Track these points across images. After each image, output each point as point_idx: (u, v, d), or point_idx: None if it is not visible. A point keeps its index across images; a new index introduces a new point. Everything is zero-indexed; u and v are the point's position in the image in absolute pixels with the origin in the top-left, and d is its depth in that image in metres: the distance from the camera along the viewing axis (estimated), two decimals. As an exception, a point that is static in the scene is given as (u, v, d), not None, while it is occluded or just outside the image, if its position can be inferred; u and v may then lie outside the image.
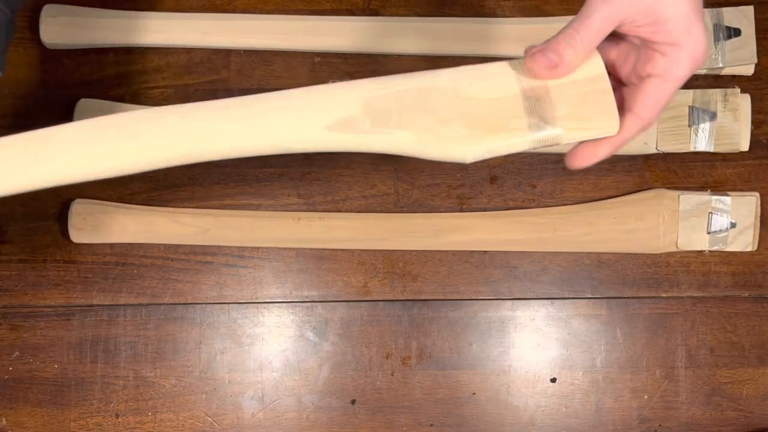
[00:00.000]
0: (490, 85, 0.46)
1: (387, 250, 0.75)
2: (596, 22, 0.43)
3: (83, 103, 0.74)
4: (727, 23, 0.73)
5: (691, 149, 0.73)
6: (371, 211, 0.75)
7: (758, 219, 0.73)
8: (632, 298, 0.75)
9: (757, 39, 0.73)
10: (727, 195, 0.72)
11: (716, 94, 0.73)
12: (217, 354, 0.75)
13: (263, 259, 0.75)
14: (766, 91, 0.75)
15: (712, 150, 0.73)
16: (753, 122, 0.74)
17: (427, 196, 0.75)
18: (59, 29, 0.74)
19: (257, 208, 0.75)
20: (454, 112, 0.45)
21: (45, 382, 0.74)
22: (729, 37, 0.73)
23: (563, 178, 0.75)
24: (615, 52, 0.47)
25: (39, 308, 0.74)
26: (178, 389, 0.74)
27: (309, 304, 0.75)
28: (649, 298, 0.75)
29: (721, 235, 0.72)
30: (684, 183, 0.75)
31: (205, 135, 0.47)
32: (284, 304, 0.75)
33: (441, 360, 0.74)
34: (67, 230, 0.74)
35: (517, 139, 0.45)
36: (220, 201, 0.75)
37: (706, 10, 0.73)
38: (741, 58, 0.73)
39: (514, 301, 0.75)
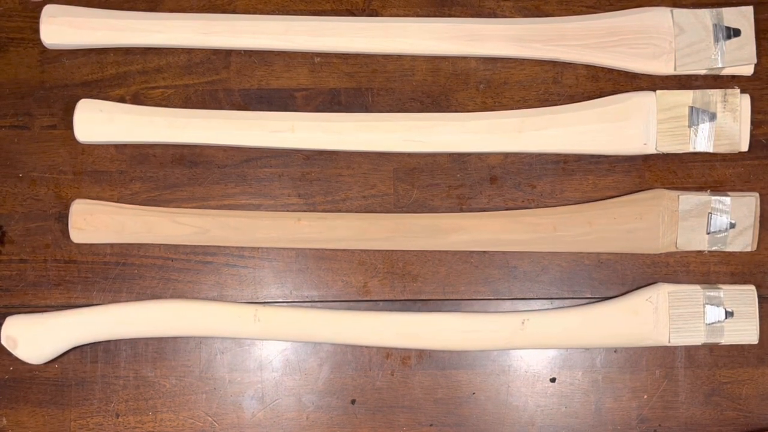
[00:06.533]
0: None
1: (387, 250, 0.75)
2: None
3: (83, 103, 0.74)
4: (726, 23, 0.73)
5: (691, 149, 0.73)
6: (371, 211, 0.75)
7: (757, 219, 0.73)
8: (632, 298, 0.75)
9: (757, 39, 0.73)
10: (727, 195, 0.72)
11: (716, 94, 0.73)
12: (217, 354, 0.75)
13: (263, 259, 0.75)
14: (766, 91, 0.75)
15: (711, 150, 0.73)
16: (752, 122, 0.74)
17: (427, 196, 0.75)
18: (59, 29, 0.74)
19: (257, 208, 0.75)
20: None
21: (45, 382, 0.74)
22: (729, 37, 0.73)
23: (563, 179, 0.75)
24: None
25: (39, 308, 0.74)
26: (179, 389, 0.74)
27: (309, 304, 0.75)
28: (649, 298, 0.75)
29: (720, 235, 0.72)
30: (683, 183, 0.75)
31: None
32: (284, 304, 0.75)
33: (441, 360, 0.74)
34: (67, 230, 0.74)
35: None
36: (220, 201, 0.75)
37: (705, 10, 0.74)
38: (741, 59, 0.73)
39: (513, 301, 0.75)
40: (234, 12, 0.77)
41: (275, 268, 0.75)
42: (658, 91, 0.73)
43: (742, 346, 0.74)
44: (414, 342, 0.72)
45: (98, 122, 0.74)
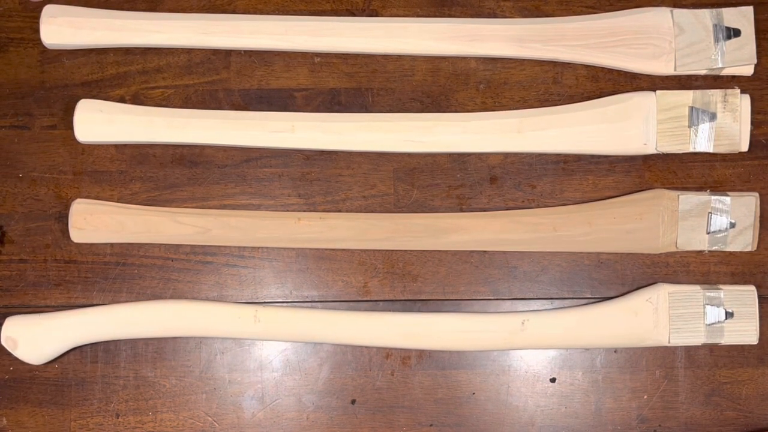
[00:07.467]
0: None
1: (387, 250, 0.75)
2: None
3: (83, 103, 0.74)
4: (726, 24, 0.73)
5: (691, 150, 0.73)
6: (371, 211, 0.75)
7: (758, 219, 0.73)
8: (632, 298, 0.75)
9: (757, 39, 0.73)
10: (727, 195, 0.72)
11: (716, 94, 0.73)
12: (217, 354, 0.75)
13: (263, 259, 0.75)
14: (766, 91, 0.75)
15: (711, 150, 0.73)
16: (752, 122, 0.74)
17: (427, 196, 0.75)
18: (59, 29, 0.74)
19: (257, 208, 0.75)
20: None
21: (45, 382, 0.74)
22: (729, 37, 0.73)
23: (563, 179, 0.75)
24: None
25: (39, 308, 0.74)
26: (179, 389, 0.74)
27: (309, 304, 0.75)
28: (649, 298, 0.75)
29: (720, 235, 0.72)
30: (683, 183, 0.75)
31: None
32: (284, 304, 0.75)
33: (441, 360, 0.74)
34: (67, 230, 0.74)
35: None
36: (220, 201, 0.75)
37: (705, 10, 0.74)
38: (741, 59, 0.73)
39: (513, 301, 0.75)
40: (234, 12, 0.77)
41: (275, 268, 0.75)
42: (658, 92, 0.73)
43: (742, 346, 0.74)
44: (414, 342, 0.72)
45: (98, 122, 0.74)
